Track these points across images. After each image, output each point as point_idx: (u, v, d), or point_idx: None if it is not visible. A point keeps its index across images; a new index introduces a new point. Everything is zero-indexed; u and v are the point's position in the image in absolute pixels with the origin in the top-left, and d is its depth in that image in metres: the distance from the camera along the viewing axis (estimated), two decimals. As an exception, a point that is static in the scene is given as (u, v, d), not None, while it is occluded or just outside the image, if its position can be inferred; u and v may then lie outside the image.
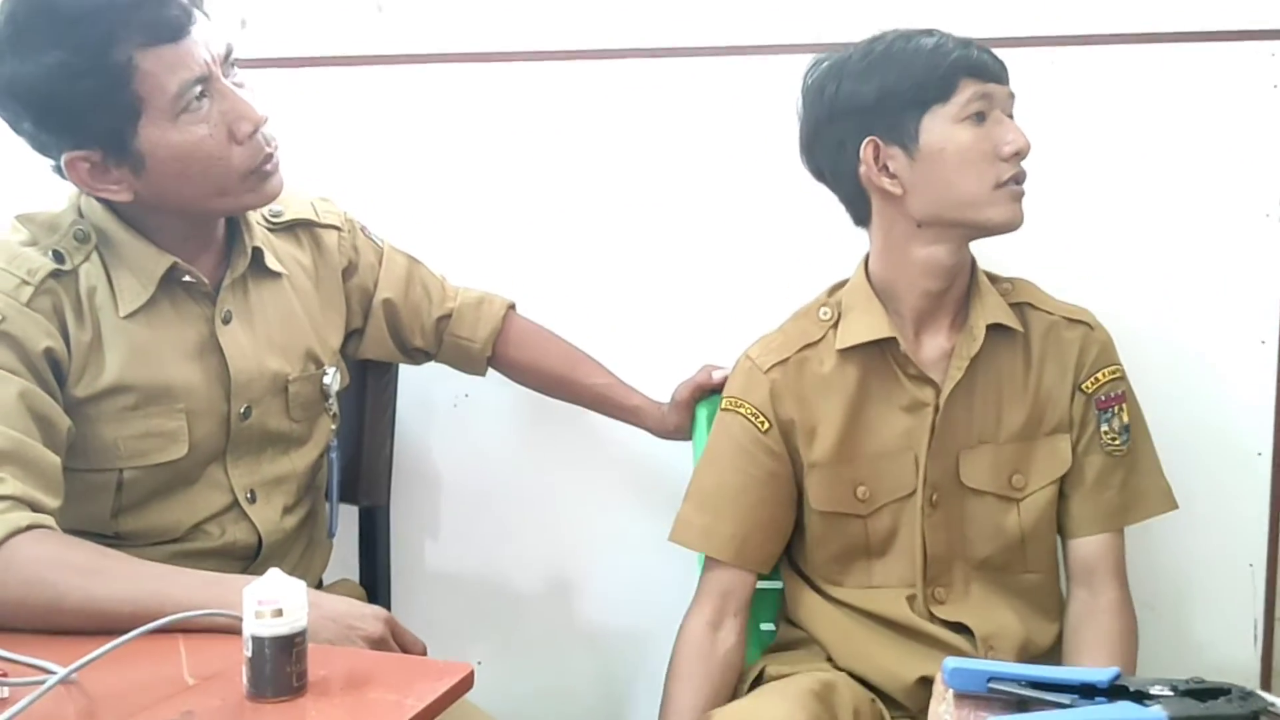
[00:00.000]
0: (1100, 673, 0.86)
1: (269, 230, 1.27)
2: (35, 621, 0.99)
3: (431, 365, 1.46)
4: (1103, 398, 1.22)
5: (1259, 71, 1.36)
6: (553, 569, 1.61)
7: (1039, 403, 1.22)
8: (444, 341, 1.42)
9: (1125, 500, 1.23)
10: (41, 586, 0.99)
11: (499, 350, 1.43)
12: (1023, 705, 0.86)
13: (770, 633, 1.37)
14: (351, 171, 1.54)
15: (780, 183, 1.38)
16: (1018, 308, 1.23)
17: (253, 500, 1.23)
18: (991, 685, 0.87)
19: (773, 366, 1.23)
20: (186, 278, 1.17)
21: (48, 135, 1.10)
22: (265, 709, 0.86)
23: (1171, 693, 0.83)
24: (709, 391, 1.37)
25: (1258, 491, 1.43)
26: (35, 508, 1.03)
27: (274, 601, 0.86)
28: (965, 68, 1.13)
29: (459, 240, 1.53)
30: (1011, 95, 1.17)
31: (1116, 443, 1.22)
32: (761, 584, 1.30)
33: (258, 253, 1.23)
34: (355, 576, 1.49)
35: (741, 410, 1.24)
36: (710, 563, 1.26)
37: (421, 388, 1.56)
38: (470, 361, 1.43)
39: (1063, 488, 1.23)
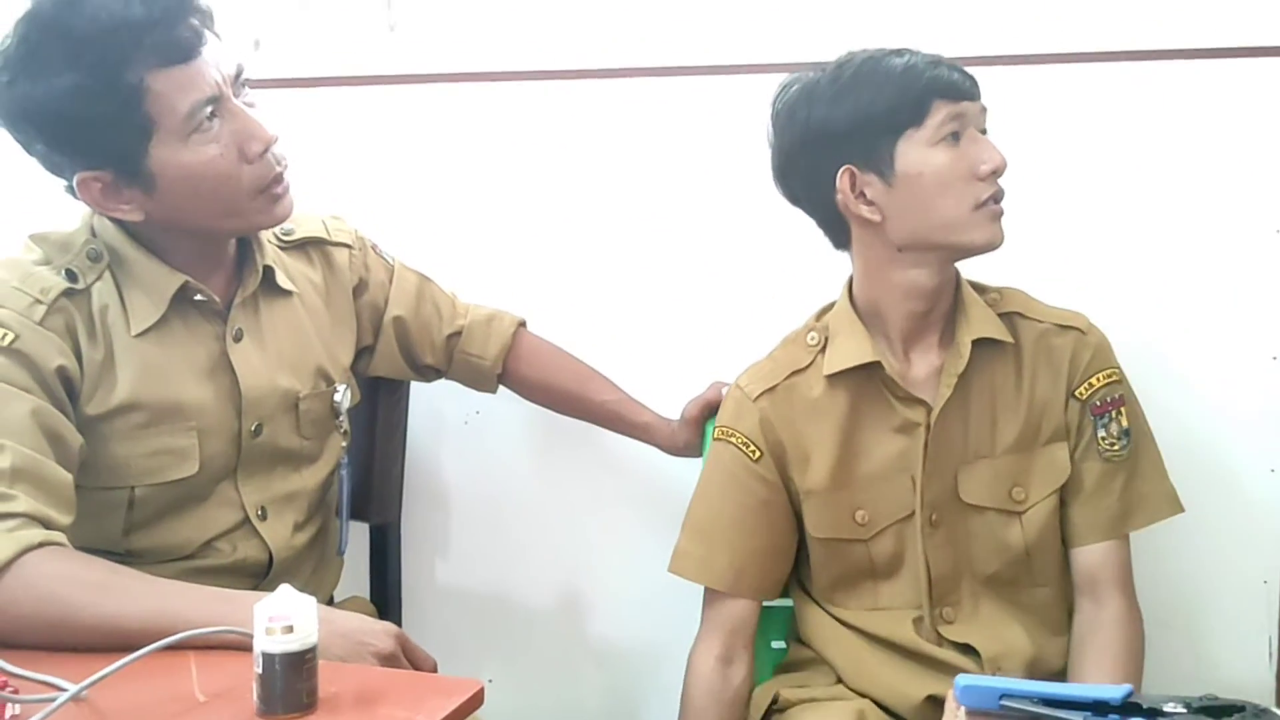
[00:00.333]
0: (1113, 690, 0.85)
1: (280, 248, 1.28)
2: (47, 638, 0.99)
3: (442, 382, 1.46)
4: (1098, 403, 1.20)
5: (1269, 88, 1.36)
6: (563, 586, 1.61)
7: (1033, 413, 1.20)
8: (454, 359, 1.42)
9: (1126, 506, 1.21)
10: (53, 603, 0.99)
11: (509, 367, 1.43)
12: (1034, 723, 0.85)
13: (781, 650, 1.36)
14: (363, 190, 1.55)
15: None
16: (1007, 318, 1.21)
17: (263, 517, 1.24)
18: (1004, 703, 0.87)
19: (761, 394, 1.23)
20: (198, 296, 1.18)
21: (60, 156, 1.11)
22: (275, 726, 0.86)
23: (1185, 710, 0.82)
24: (718, 408, 1.37)
25: (1272, 507, 1.42)
26: (47, 525, 1.03)
27: (285, 618, 0.86)
28: (937, 89, 1.12)
29: (469, 257, 1.54)
30: (984, 109, 1.15)
31: (1116, 448, 1.20)
32: (772, 601, 1.30)
33: (269, 271, 1.24)
34: (366, 593, 1.49)
35: (733, 440, 1.24)
36: (713, 594, 1.25)
37: (432, 405, 1.56)
38: (481, 378, 1.43)
39: (1063, 496, 1.21)
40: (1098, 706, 0.85)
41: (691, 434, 1.39)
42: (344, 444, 1.33)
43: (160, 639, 0.94)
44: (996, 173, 1.13)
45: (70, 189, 1.13)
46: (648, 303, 1.52)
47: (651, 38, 1.48)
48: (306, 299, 1.29)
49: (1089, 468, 1.21)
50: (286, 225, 1.27)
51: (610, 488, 1.56)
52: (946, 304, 1.20)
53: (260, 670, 0.86)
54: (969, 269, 1.22)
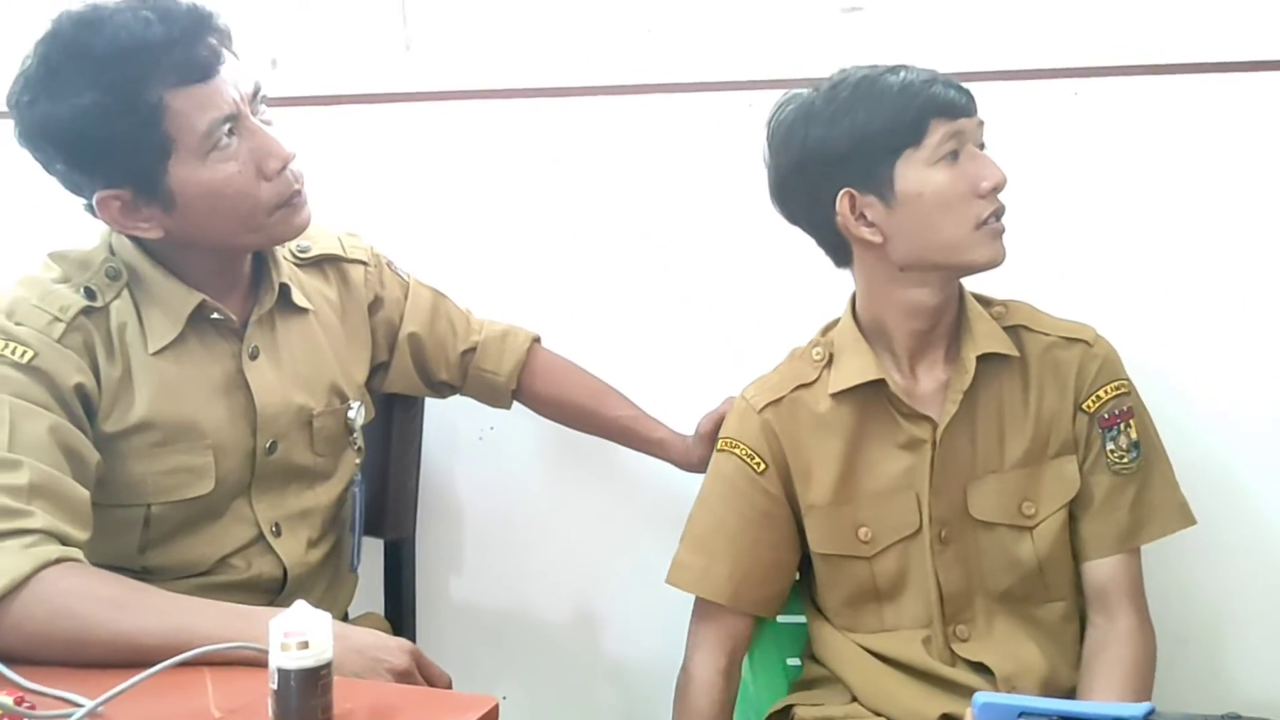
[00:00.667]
0: (1135, 708, 0.85)
1: (296, 266, 1.29)
2: (63, 654, 0.99)
3: (456, 398, 1.46)
4: (1106, 415, 1.19)
5: (1273, 101, 1.35)
6: (578, 602, 1.60)
7: (1041, 426, 1.20)
8: (469, 375, 1.42)
9: (1137, 519, 1.20)
10: (70, 619, 1.00)
11: (524, 383, 1.43)
12: (1054, 741, 0.85)
13: (796, 668, 1.36)
14: (378, 206, 1.56)
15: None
16: (1013, 331, 1.20)
17: (278, 534, 1.24)
18: (1022, 720, 0.86)
19: (766, 406, 1.22)
20: (215, 315, 1.19)
21: (80, 175, 1.12)
22: (291, 742, 0.86)
23: (1207, 729, 0.81)
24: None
25: (1291, 520, 1.40)
26: (64, 541, 1.04)
27: (300, 634, 0.86)
28: (934, 108, 1.11)
29: (484, 274, 1.54)
30: (981, 124, 1.15)
31: (1125, 460, 1.19)
32: (787, 618, 1.29)
33: (285, 289, 1.25)
34: (380, 609, 1.49)
35: (737, 451, 1.23)
36: (711, 608, 1.24)
37: (447, 421, 1.57)
38: (495, 394, 1.44)
39: (1072, 510, 1.20)
40: (1118, 725, 0.84)
41: (706, 450, 1.38)
42: (358, 460, 1.33)
43: (176, 655, 0.94)
44: (997, 189, 1.12)
45: (90, 207, 1.14)
46: (662, 318, 1.53)
47: (663, 54, 1.49)
48: (322, 316, 1.30)
49: (1098, 481, 1.20)
50: (302, 242, 1.28)
51: (624, 503, 1.56)
52: (950, 320, 1.20)
53: (276, 686, 0.86)
54: (973, 282, 1.22)
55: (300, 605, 0.89)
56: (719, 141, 1.48)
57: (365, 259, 1.36)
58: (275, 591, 1.24)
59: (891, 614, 1.22)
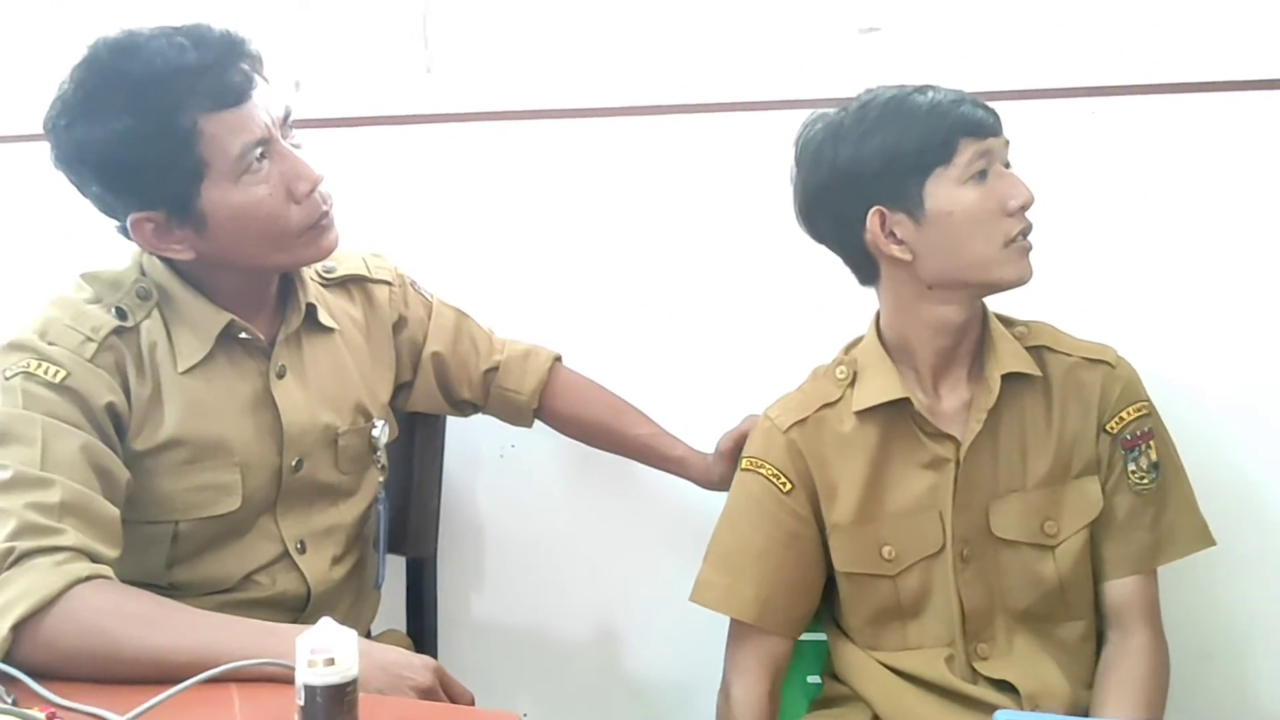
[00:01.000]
0: (1157, 728, 0.84)
1: (322, 286, 1.31)
2: (93, 670, 1.00)
3: (478, 416, 1.47)
4: (1128, 437, 1.20)
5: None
6: (599, 619, 1.61)
7: (1064, 446, 1.20)
8: (491, 394, 1.43)
9: (1157, 539, 1.20)
10: (100, 635, 1.01)
11: (545, 402, 1.44)
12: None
13: (816, 686, 1.35)
14: (401, 227, 1.57)
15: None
16: (1035, 351, 1.21)
17: (302, 551, 1.25)
18: (1045, 739, 0.86)
19: (792, 426, 1.23)
20: (243, 334, 1.20)
21: (115, 197, 1.14)
22: (317, 758, 0.86)
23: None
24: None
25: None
26: (95, 559, 1.05)
27: (326, 650, 0.87)
28: (963, 128, 1.12)
29: (506, 293, 1.55)
30: (1007, 143, 1.16)
31: (1145, 481, 1.20)
32: (807, 635, 1.29)
33: (311, 308, 1.26)
34: (402, 627, 1.50)
35: (762, 471, 1.23)
36: (747, 630, 1.24)
37: (468, 439, 1.58)
38: (517, 413, 1.45)
39: (1093, 530, 1.21)
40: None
41: (725, 468, 1.39)
42: (381, 478, 1.34)
43: (204, 671, 0.95)
44: (1025, 207, 1.13)
45: (123, 229, 1.16)
46: (682, 336, 1.53)
47: (683, 75, 1.50)
48: (347, 336, 1.31)
49: (1120, 501, 1.20)
50: (328, 263, 1.29)
51: (645, 522, 1.56)
52: (974, 338, 1.21)
53: (302, 702, 0.87)
54: (995, 299, 1.22)
55: (326, 622, 0.89)
56: (738, 161, 1.49)
57: (390, 279, 1.38)
58: (299, 609, 1.25)
59: (915, 632, 1.22)
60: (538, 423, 1.47)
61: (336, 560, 1.28)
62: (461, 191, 1.59)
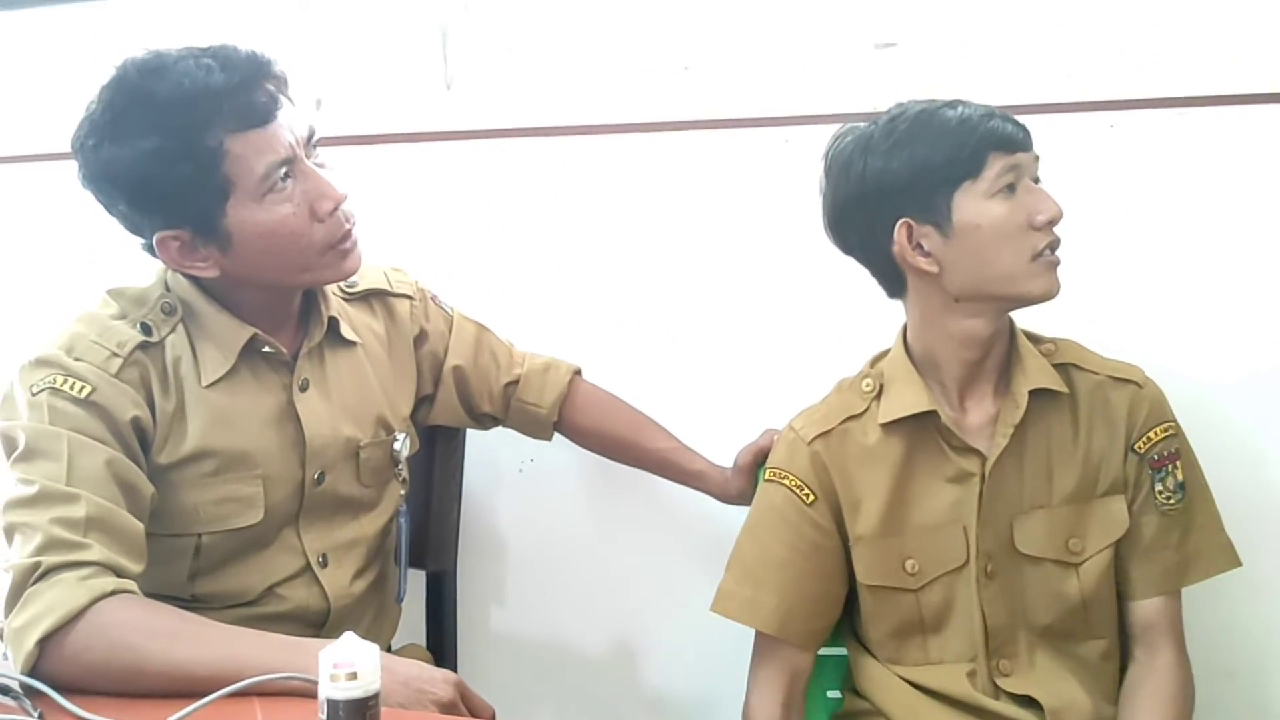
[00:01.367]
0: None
1: (344, 300, 1.32)
2: (118, 684, 1.01)
3: (497, 430, 1.48)
4: (1156, 457, 1.20)
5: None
6: (618, 633, 1.61)
7: (1090, 464, 1.20)
8: (511, 407, 1.44)
9: (1183, 559, 1.20)
10: (125, 650, 1.01)
11: (565, 415, 1.44)
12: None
13: (836, 700, 1.35)
14: (421, 242, 1.59)
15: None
16: (1062, 368, 1.21)
17: (324, 564, 1.26)
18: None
19: (816, 438, 1.23)
20: (266, 348, 1.21)
21: (141, 216, 1.15)
22: (340, 772, 0.87)
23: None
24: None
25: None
26: (119, 573, 1.06)
27: (349, 665, 0.87)
28: (992, 142, 1.12)
29: (525, 308, 1.56)
30: (1036, 158, 1.16)
31: (1171, 501, 1.20)
32: (827, 649, 1.29)
33: (333, 322, 1.27)
34: (422, 640, 1.50)
35: (786, 482, 1.24)
36: (768, 642, 1.24)
37: (488, 452, 1.58)
38: (537, 426, 1.45)
39: (1120, 549, 1.20)
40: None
41: (744, 482, 1.39)
42: (403, 491, 1.35)
43: (227, 685, 0.96)
44: (1053, 222, 1.13)
45: (149, 247, 1.17)
46: (702, 350, 1.53)
47: (700, 91, 1.50)
48: (369, 349, 1.32)
49: (1147, 521, 1.20)
50: (350, 278, 1.30)
51: (664, 535, 1.57)
52: (1001, 352, 1.21)
53: (324, 716, 0.88)
54: (1020, 314, 1.22)
55: (349, 636, 0.90)
56: (756, 176, 1.50)
57: (411, 294, 1.39)
58: (319, 624, 1.26)
59: (936, 647, 1.22)
60: (557, 436, 1.47)
61: (358, 574, 1.29)
62: (481, 206, 1.60)
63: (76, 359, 1.13)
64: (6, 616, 1.03)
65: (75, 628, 1.01)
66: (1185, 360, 1.36)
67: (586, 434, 1.47)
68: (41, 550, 1.04)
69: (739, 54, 1.49)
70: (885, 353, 1.26)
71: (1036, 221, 1.13)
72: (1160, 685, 1.17)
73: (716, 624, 1.25)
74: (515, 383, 1.43)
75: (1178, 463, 1.20)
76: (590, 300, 1.57)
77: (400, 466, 1.33)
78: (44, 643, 1.00)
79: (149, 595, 1.08)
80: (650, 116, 1.53)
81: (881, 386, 1.23)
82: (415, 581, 1.49)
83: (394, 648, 1.40)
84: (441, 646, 1.50)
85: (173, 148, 1.09)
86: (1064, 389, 1.20)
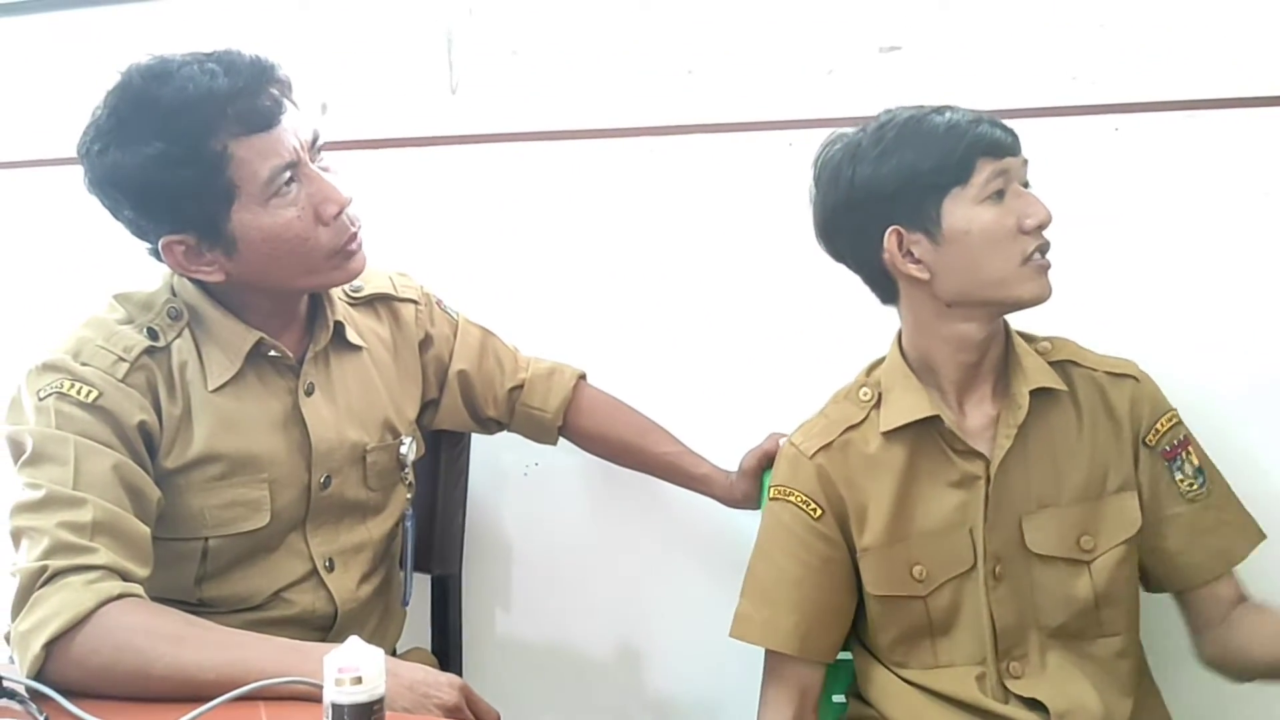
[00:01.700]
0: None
1: (350, 304, 1.32)
2: (124, 688, 1.01)
3: (502, 434, 1.48)
4: (1167, 447, 1.21)
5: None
6: (623, 637, 1.61)
7: (1096, 461, 1.20)
8: (516, 411, 1.44)
9: (1226, 541, 1.21)
10: (131, 653, 1.02)
11: (570, 419, 1.45)
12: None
13: (841, 705, 1.35)
14: (427, 246, 1.59)
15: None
16: (1059, 366, 1.21)
17: (331, 569, 1.26)
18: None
19: (818, 451, 1.23)
20: (272, 352, 1.21)
21: (146, 221, 1.15)
22: (345, 776, 0.87)
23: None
24: (775, 460, 1.37)
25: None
26: (126, 577, 1.06)
27: (354, 669, 0.87)
28: (981, 148, 1.12)
29: (531, 312, 1.56)
30: (1025, 163, 1.16)
31: (1195, 486, 1.20)
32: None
33: (339, 327, 1.27)
34: (427, 644, 1.50)
35: (791, 499, 1.23)
36: (779, 657, 1.24)
37: (493, 456, 1.58)
38: (542, 431, 1.45)
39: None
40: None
41: (750, 486, 1.39)
42: (409, 495, 1.35)
43: (233, 689, 0.96)
44: (1042, 226, 1.13)
45: (154, 252, 1.17)
46: (705, 355, 1.54)
47: (704, 95, 1.51)
48: (375, 354, 1.32)
49: (1180, 512, 1.21)
50: (356, 282, 1.30)
51: (669, 539, 1.57)
52: (997, 354, 1.21)
53: (330, 721, 0.88)
54: (1016, 317, 1.21)
55: (354, 641, 0.90)
56: (760, 180, 1.50)
57: (416, 298, 1.39)
58: (326, 628, 1.26)
59: (945, 651, 1.21)
60: (562, 440, 1.47)
61: (364, 578, 1.29)
62: (486, 211, 1.60)
63: (83, 364, 1.13)
64: (13, 620, 1.04)
65: (82, 631, 1.01)
66: (1190, 361, 1.36)
67: (591, 438, 1.47)
68: (48, 554, 1.04)
69: (742, 57, 1.49)
70: (879, 362, 1.26)
71: (1026, 225, 1.13)
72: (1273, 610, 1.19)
73: (722, 628, 1.25)
74: (520, 387, 1.44)
75: (1190, 449, 1.21)
76: (595, 304, 1.57)
77: (406, 470, 1.33)
78: (50, 646, 1.01)
79: (155, 599, 1.08)
80: (654, 120, 1.53)
81: (880, 395, 1.23)
82: (420, 585, 1.49)
83: (399, 652, 1.40)
84: (446, 650, 1.50)
85: (177, 152, 1.10)
86: (1063, 387, 1.20)
